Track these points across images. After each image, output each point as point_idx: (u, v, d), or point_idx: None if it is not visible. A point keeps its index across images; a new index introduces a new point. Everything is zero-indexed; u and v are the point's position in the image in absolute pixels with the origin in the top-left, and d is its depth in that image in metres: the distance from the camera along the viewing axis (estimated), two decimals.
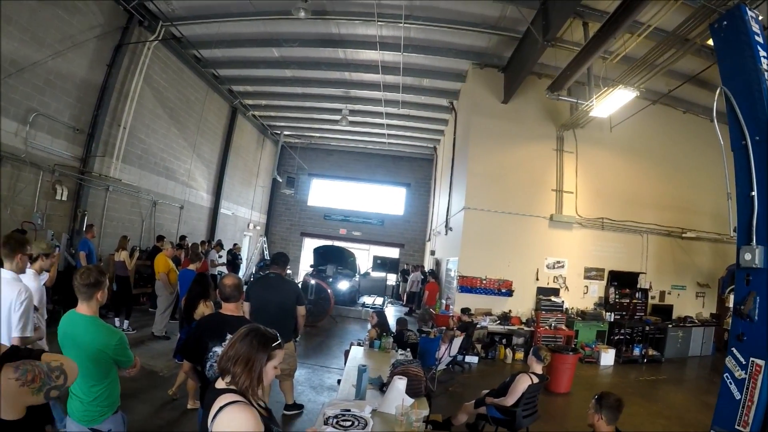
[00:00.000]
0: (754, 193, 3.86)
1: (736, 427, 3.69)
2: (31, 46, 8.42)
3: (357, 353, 6.18)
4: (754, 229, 3.84)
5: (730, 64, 4.34)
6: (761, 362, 3.63)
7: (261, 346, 2.09)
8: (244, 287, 4.20)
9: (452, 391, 7.80)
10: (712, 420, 4.01)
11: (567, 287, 11.89)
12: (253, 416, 1.97)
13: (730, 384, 3.84)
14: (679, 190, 12.82)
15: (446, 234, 14.44)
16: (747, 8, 4.35)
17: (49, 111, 9.15)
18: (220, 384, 2.11)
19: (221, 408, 1.97)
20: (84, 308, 2.91)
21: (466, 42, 11.58)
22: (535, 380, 5.09)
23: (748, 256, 3.82)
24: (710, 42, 7.72)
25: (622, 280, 12.16)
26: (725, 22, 4.43)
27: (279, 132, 21.91)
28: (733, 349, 3.90)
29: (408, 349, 6.81)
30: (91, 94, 10.23)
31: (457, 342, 8.54)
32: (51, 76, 9.05)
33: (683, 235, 12.65)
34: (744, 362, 3.76)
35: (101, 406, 2.91)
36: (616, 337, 11.28)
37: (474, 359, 10.13)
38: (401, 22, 10.31)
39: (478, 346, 10.55)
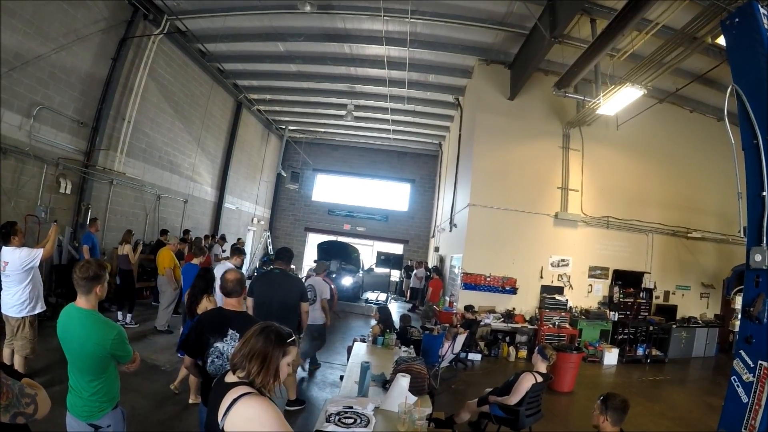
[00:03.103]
0: (765, 193, 3.80)
1: (743, 430, 3.65)
2: (36, 40, 8.40)
3: (360, 350, 6.16)
4: (765, 229, 3.79)
5: (742, 62, 4.27)
6: None
7: (278, 342, 2.06)
8: (247, 282, 4.17)
9: (455, 389, 7.78)
10: (719, 423, 3.96)
11: (571, 286, 11.84)
12: (272, 405, 1.94)
13: (738, 387, 3.79)
14: (685, 190, 12.74)
15: (450, 230, 14.39)
16: (759, 5, 4.28)
17: (54, 104, 9.14)
18: (231, 378, 2.06)
19: (235, 400, 1.92)
20: (83, 302, 2.88)
21: (473, 38, 11.51)
22: (539, 379, 5.06)
23: (758, 258, 3.76)
24: (719, 41, 7.72)
25: (627, 280, 12.09)
26: (737, 19, 4.36)
27: (284, 127, 21.90)
28: (741, 351, 3.85)
29: (411, 346, 6.79)
30: (95, 88, 10.21)
31: (461, 339, 8.51)
32: (55, 70, 9.03)
33: (688, 235, 12.57)
34: (752, 365, 3.71)
35: (100, 401, 2.88)
36: (619, 337, 11.22)
37: (477, 357, 10.10)
38: (407, 17, 10.24)
39: (482, 344, 10.54)
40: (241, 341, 2.12)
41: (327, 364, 8.45)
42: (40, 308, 5.33)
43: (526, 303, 11.53)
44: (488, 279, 11.42)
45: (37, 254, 5.13)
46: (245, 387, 1.97)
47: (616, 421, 3.30)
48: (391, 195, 24.57)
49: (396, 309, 16.10)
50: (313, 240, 23.40)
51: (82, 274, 2.84)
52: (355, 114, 17.05)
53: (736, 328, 10.90)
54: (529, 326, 11.03)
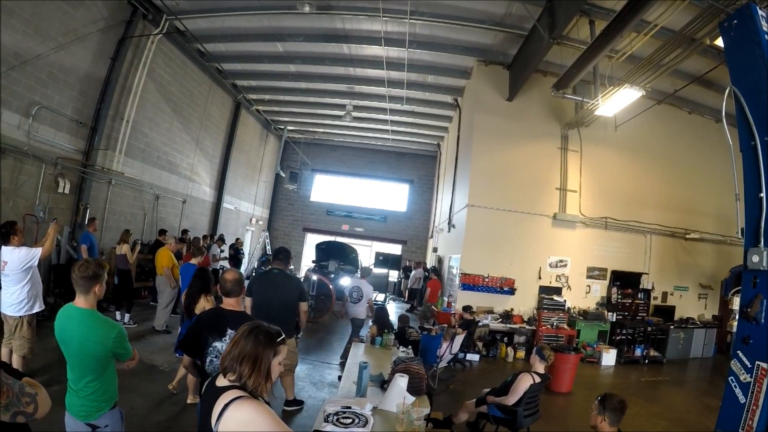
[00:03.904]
0: (763, 194, 3.81)
1: (740, 431, 3.65)
2: (35, 39, 8.39)
3: (358, 350, 6.16)
4: (763, 230, 3.80)
5: (740, 64, 4.28)
6: (767, 366, 3.59)
7: (267, 342, 2.02)
8: (246, 282, 4.17)
9: (453, 389, 7.78)
10: (716, 423, 3.97)
11: (569, 286, 11.84)
12: (265, 408, 1.92)
13: (735, 387, 3.80)
14: (683, 191, 12.76)
15: (449, 231, 14.40)
16: (758, 7, 4.29)
17: (52, 104, 9.12)
18: (222, 382, 2.03)
19: (227, 405, 1.89)
20: (82, 301, 2.89)
21: (472, 39, 11.51)
22: (537, 380, 5.06)
23: (755, 258, 3.77)
24: (717, 42, 7.75)
25: (625, 280, 12.11)
26: (735, 21, 4.37)
27: (282, 127, 21.88)
28: (738, 352, 3.86)
29: (409, 347, 6.79)
30: (94, 88, 10.20)
31: (459, 340, 8.51)
32: (54, 69, 9.02)
33: (686, 236, 12.60)
34: (749, 366, 3.72)
35: (98, 401, 2.88)
36: (617, 338, 11.23)
37: (475, 357, 10.11)
38: (406, 18, 10.25)
39: (480, 344, 10.53)
40: (230, 343, 2.07)
41: (325, 365, 8.45)
42: (38, 307, 5.32)
43: (524, 303, 11.54)
44: (486, 280, 11.41)
45: (36, 253, 5.12)
46: (237, 391, 1.94)
47: (614, 422, 3.30)
48: (390, 195, 24.57)
49: (394, 309, 16.11)
50: (312, 240, 23.38)
51: (81, 274, 2.84)
52: (354, 114, 17.05)
53: (734, 329, 10.94)
54: (527, 327, 11.05)
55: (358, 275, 9.93)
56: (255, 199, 22.06)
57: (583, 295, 11.95)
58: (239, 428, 1.87)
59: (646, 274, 12.29)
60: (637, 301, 11.99)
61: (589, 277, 12.08)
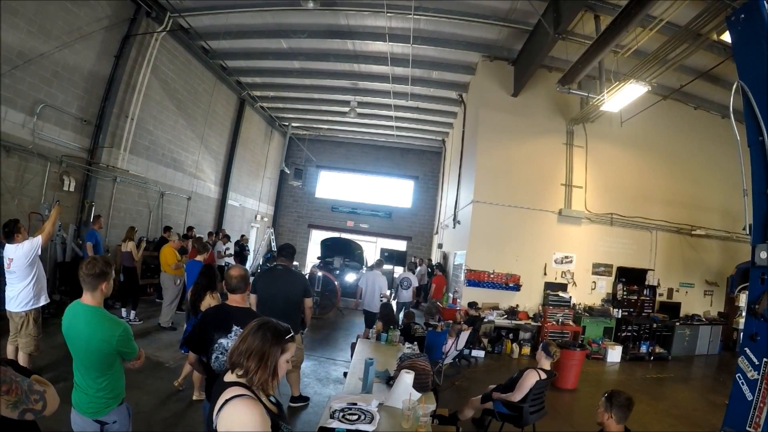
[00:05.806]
0: None
1: (748, 428, 3.64)
2: (39, 38, 8.41)
3: (364, 346, 6.17)
4: None
5: (747, 58, 4.25)
6: None
7: (275, 339, 2.02)
8: (251, 278, 4.17)
9: (459, 386, 7.79)
10: (723, 420, 3.95)
11: (575, 283, 11.81)
12: (258, 411, 1.92)
13: (743, 384, 3.78)
14: (689, 187, 12.69)
15: (454, 227, 14.38)
16: (765, 1, 4.25)
17: (57, 102, 9.15)
18: (229, 377, 2.05)
19: (226, 401, 1.92)
20: (88, 299, 2.89)
21: (476, 34, 11.47)
22: (543, 376, 5.05)
23: (763, 255, 3.75)
24: (723, 37, 7.68)
25: (630, 277, 12.07)
26: (742, 15, 4.33)
27: (287, 124, 21.89)
28: (746, 349, 3.84)
29: (415, 343, 6.79)
30: (98, 86, 10.23)
31: (464, 336, 8.49)
32: (58, 68, 9.04)
33: (692, 232, 12.53)
34: (757, 363, 3.70)
35: (106, 397, 2.89)
36: (623, 334, 11.22)
37: (480, 353, 10.11)
38: (410, 14, 10.21)
39: (485, 341, 10.54)
40: (238, 339, 2.09)
41: (331, 361, 8.46)
42: (44, 300, 5.34)
43: (529, 300, 11.52)
44: (492, 276, 11.41)
45: (37, 242, 5.09)
46: (239, 388, 1.96)
47: (621, 419, 3.29)
48: (395, 192, 24.51)
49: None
50: (317, 237, 23.39)
51: (88, 271, 2.85)
52: (359, 111, 17.00)
53: (740, 326, 10.88)
54: (533, 323, 11.04)
55: (405, 269, 12.96)
56: (260, 195, 22.07)
57: (588, 291, 11.92)
58: (228, 425, 1.89)
59: (652, 270, 12.24)
60: (642, 298, 11.97)
61: (594, 273, 12.05)
